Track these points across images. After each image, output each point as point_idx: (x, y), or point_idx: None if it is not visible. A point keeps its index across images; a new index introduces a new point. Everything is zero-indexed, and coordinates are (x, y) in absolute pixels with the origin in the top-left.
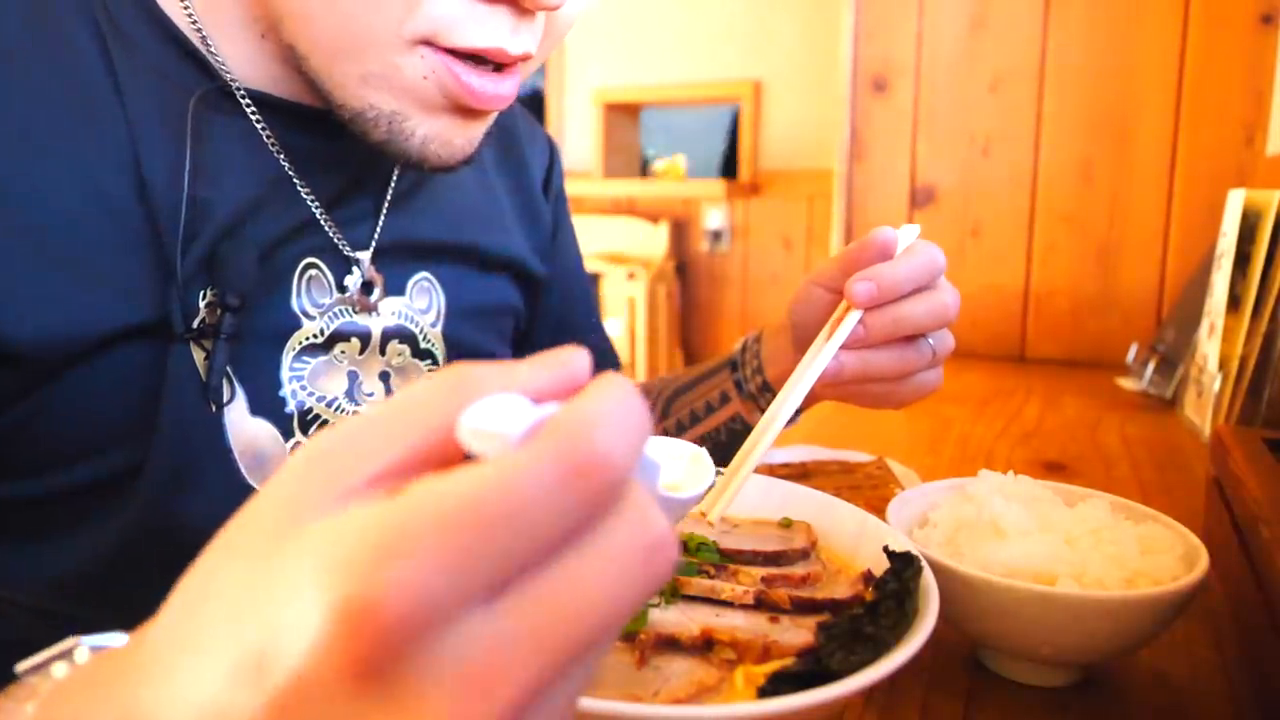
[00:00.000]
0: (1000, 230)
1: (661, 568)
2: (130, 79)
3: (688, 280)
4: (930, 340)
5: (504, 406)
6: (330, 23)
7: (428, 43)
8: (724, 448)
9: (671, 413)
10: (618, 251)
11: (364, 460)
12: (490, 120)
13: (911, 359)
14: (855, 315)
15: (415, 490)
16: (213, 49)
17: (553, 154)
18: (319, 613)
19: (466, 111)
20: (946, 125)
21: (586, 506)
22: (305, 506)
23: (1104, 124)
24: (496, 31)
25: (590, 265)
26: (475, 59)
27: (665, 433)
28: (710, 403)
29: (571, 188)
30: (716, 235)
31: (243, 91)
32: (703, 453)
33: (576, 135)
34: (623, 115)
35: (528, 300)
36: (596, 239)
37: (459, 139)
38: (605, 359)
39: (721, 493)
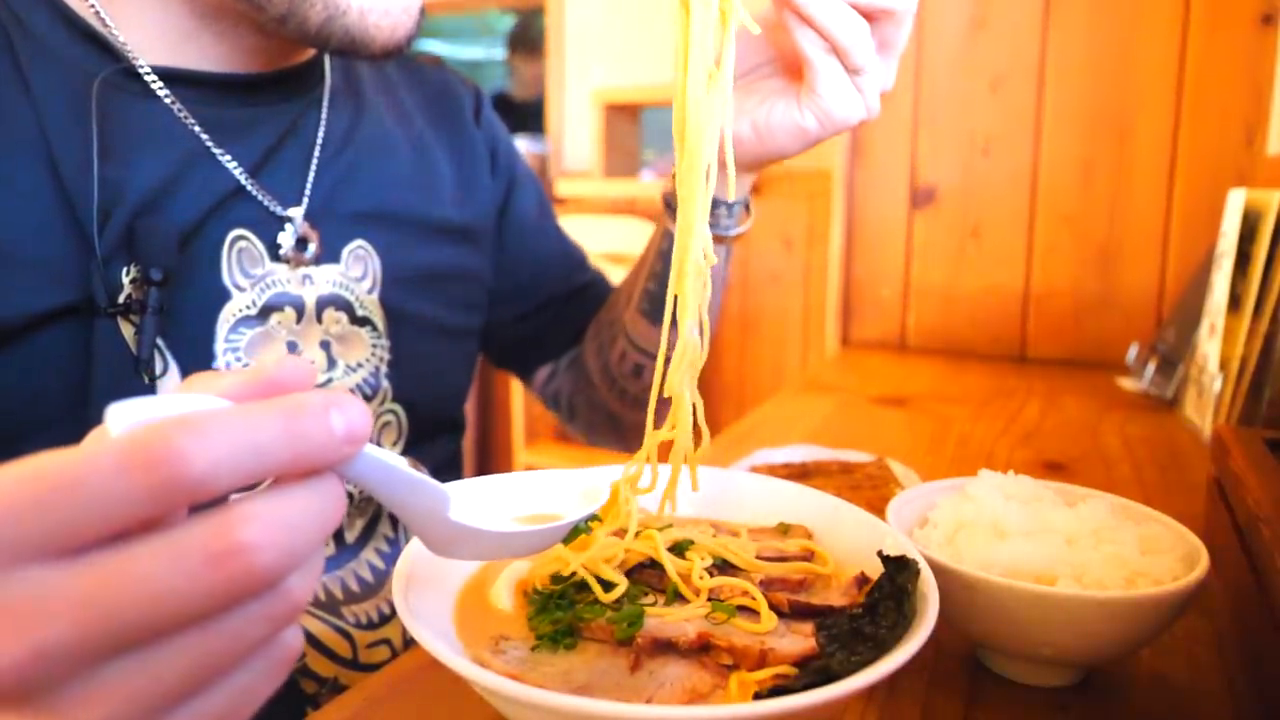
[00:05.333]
0: (1000, 230)
1: (232, 575)
2: (32, 67)
3: None
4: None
5: (164, 403)
6: None
7: None
8: (660, 275)
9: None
10: (618, 251)
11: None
12: (417, 8)
13: (864, 30)
14: None
15: (16, 461)
16: (112, 30)
17: (479, 94)
18: None
19: None
20: (946, 125)
21: (153, 497)
22: None
23: (1104, 124)
24: None
25: None
26: None
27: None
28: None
29: (571, 188)
30: None
31: (148, 70)
32: (598, 489)
33: (576, 135)
34: (623, 115)
35: (482, 256)
36: (596, 239)
37: (395, 6)
38: (570, 260)
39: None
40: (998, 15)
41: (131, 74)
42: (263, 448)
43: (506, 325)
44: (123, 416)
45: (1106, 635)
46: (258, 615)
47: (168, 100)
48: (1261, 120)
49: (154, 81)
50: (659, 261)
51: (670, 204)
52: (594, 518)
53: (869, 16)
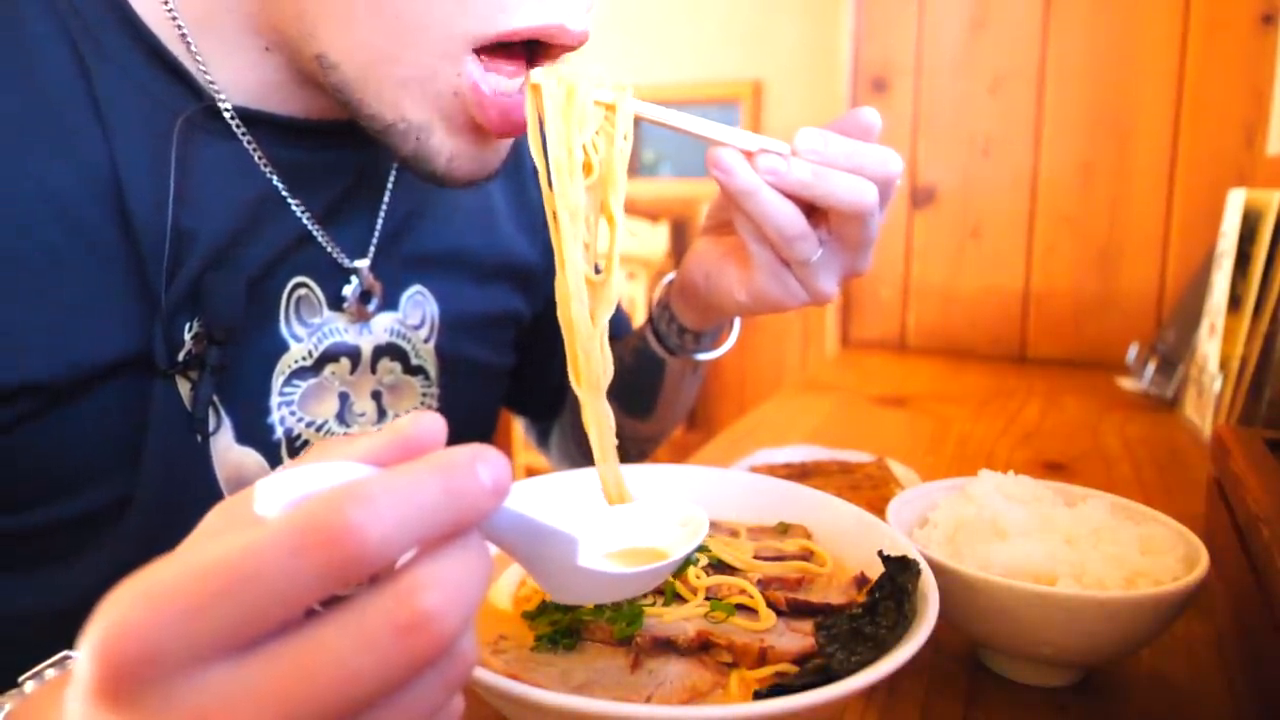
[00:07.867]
0: (1000, 231)
1: (420, 646)
2: (111, 99)
3: None
4: (826, 233)
5: (312, 474)
6: (376, 23)
7: (479, 50)
8: (631, 370)
9: None
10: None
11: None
12: (510, 142)
13: (799, 229)
14: (784, 147)
15: (180, 550)
16: (202, 64)
17: None
18: (87, 641)
19: (486, 134)
20: (946, 125)
21: (332, 575)
22: None
23: (1104, 124)
24: (554, 7)
25: None
26: (506, 50)
27: None
28: (625, 346)
29: None
30: None
31: (230, 109)
32: (697, 517)
33: None
34: None
35: (530, 297)
36: None
37: (481, 158)
38: (618, 324)
39: None
40: (998, 15)
41: (212, 112)
42: (427, 510)
43: (525, 377)
44: (275, 494)
45: (1106, 635)
46: (437, 683)
47: (246, 142)
48: (1261, 120)
49: (235, 123)
50: (630, 356)
51: (665, 338)
52: (703, 548)
53: (825, 211)
